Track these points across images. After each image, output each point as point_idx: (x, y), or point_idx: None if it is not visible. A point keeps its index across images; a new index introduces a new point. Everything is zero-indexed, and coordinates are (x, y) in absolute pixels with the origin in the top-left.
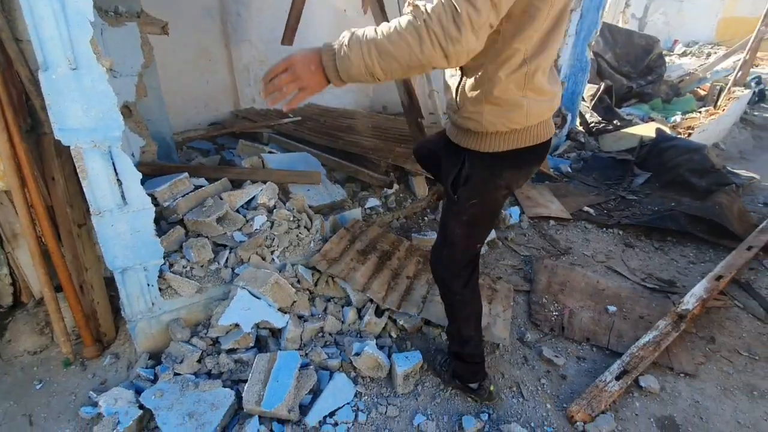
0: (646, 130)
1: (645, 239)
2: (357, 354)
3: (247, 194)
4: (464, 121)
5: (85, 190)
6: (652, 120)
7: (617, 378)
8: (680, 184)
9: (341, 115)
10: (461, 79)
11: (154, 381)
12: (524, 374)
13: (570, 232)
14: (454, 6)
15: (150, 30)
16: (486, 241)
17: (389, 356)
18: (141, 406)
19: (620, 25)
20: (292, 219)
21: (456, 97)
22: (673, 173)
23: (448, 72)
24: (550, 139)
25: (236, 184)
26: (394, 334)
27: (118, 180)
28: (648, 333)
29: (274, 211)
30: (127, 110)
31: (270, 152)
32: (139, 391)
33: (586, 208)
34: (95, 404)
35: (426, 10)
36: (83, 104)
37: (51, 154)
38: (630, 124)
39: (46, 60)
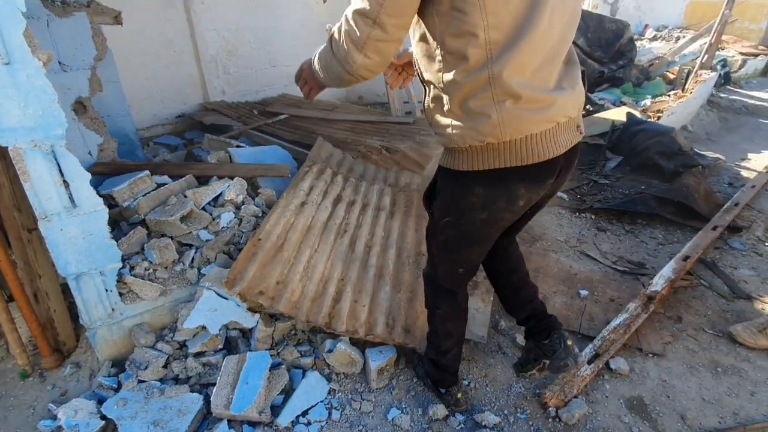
0: (618, 115)
1: (616, 222)
2: (330, 351)
3: (213, 191)
4: (436, 137)
5: (28, 193)
6: (624, 104)
7: (589, 362)
8: (650, 167)
9: (315, 106)
10: (425, 91)
11: (118, 390)
12: (498, 362)
13: (544, 218)
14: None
15: (102, 20)
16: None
17: (363, 351)
18: (103, 417)
19: (591, 10)
20: (261, 215)
21: (427, 114)
22: (643, 156)
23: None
24: (552, 162)
25: (203, 181)
26: None
27: (64, 181)
28: (618, 316)
29: (243, 207)
30: (81, 106)
31: (238, 146)
32: (101, 401)
33: (559, 194)
34: (55, 417)
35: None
36: (20, 101)
37: None
38: (602, 108)
39: None
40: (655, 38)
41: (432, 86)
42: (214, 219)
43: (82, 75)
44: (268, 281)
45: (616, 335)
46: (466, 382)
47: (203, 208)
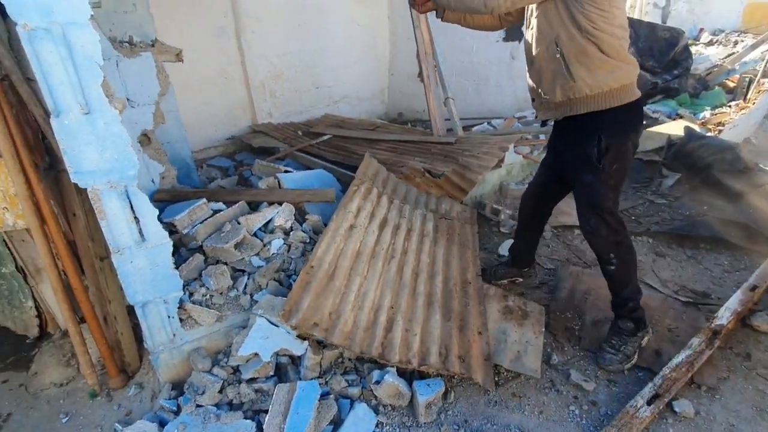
0: (674, 129)
1: (677, 247)
2: (377, 382)
3: (263, 217)
4: (580, 88)
5: (103, 229)
6: (680, 117)
7: (649, 403)
8: (712, 185)
9: (357, 125)
10: (562, 55)
11: (177, 412)
12: (551, 400)
13: None
14: None
15: (165, 58)
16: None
17: (410, 383)
18: None
19: (641, 17)
20: (308, 241)
21: (569, 69)
22: (704, 174)
23: (542, 57)
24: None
25: (253, 206)
26: None
27: (135, 218)
28: (681, 352)
29: (291, 233)
30: (145, 138)
31: (286, 171)
32: (162, 423)
33: None
34: None
35: None
36: (98, 147)
37: (71, 191)
38: (656, 122)
39: (57, 106)
40: (711, 43)
41: (583, 57)
42: (264, 245)
43: (147, 110)
44: (322, 312)
45: (679, 374)
46: (517, 420)
47: (254, 234)
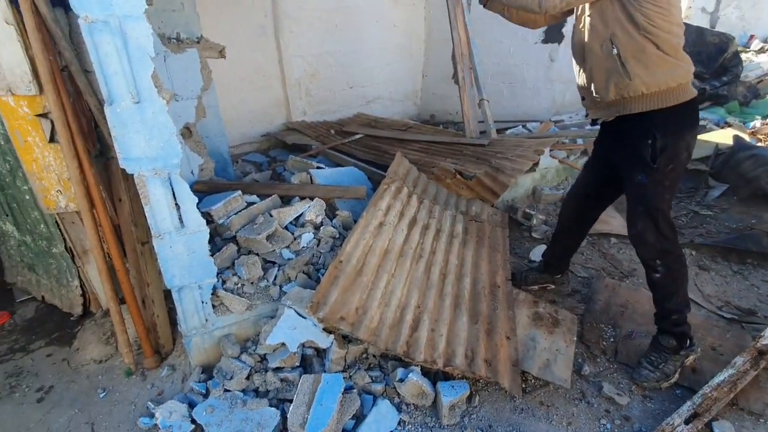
0: (722, 137)
1: (722, 261)
2: (401, 380)
3: (295, 211)
4: (636, 86)
5: (147, 214)
6: (729, 125)
7: (686, 422)
8: (761, 198)
9: (389, 125)
10: (619, 53)
11: (206, 395)
12: (581, 412)
13: (634, 251)
14: None
15: (209, 54)
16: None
17: (434, 383)
18: (193, 420)
19: (688, 21)
20: (338, 236)
21: (626, 66)
22: (754, 186)
23: (595, 56)
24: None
25: (285, 200)
26: None
27: (176, 204)
28: (723, 371)
29: (321, 228)
30: (187, 131)
31: (318, 167)
32: (192, 405)
33: None
34: (152, 415)
35: None
36: (145, 135)
37: (118, 177)
38: (704, 129)
39: (111, 95)
40: (762, 50)
41: (640, 55)
42: (295, 239)
43: (190, 104)
44: (349, 307)
45: (720, 393)
46: (544, 430)
47: (285, 227)
